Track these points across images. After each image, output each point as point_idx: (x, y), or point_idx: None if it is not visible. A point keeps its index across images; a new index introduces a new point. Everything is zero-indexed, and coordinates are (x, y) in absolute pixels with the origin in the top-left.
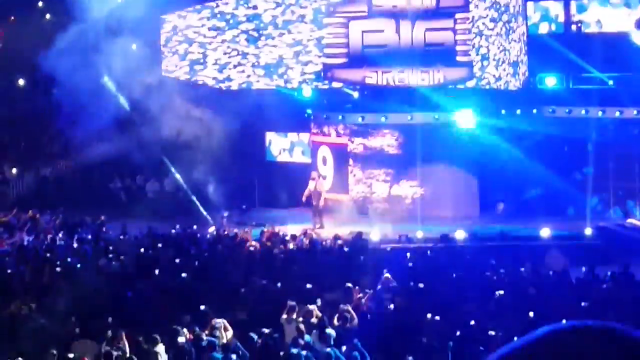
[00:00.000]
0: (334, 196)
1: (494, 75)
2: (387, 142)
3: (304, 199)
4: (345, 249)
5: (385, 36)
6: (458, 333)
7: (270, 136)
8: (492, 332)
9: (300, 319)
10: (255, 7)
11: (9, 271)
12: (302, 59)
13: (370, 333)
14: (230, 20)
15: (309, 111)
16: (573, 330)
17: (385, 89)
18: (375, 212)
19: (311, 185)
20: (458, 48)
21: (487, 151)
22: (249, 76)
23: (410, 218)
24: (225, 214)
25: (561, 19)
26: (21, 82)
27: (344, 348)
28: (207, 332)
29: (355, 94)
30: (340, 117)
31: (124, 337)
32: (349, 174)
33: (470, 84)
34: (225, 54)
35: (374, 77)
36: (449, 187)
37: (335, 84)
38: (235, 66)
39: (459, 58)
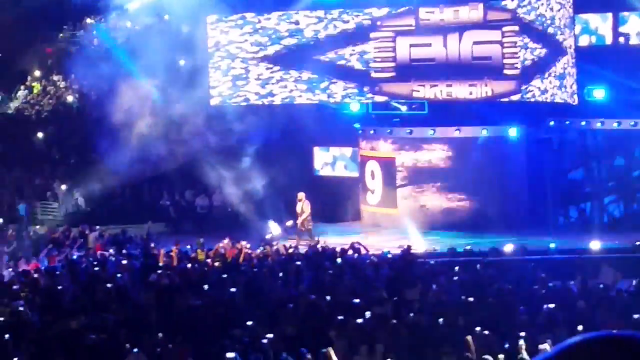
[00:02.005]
0: (382, 210)
1: (539, 88)
2: (436, 155)
3: (298, 223)
4: (394, 263)
5: (433, 50)
6: (507, 346)
7: (316, 151)
8: (542, 346)
9: (350, 334)
10: (297, 23)
11: (59, 287)
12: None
13: (420, 347)
14: (272, 36)
15: (357, 125)
16: (603, 340)
17: (433, 103)
18: (424, 225)
19: (298, 206)
20: (505, 61)
21: (536, 164)
22: (291, 91)
23: (460, 231)
24: (270, 234)
25: (602, 31)
26: (70, 99)
27: None
28: None
29: (403, 108)
30: (388, 130)
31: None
32: (397, 188)
33: (516, 97)
34: (267, 69)
35: (421, 90)
36: (498, 200)
37: (379, 98)
38: (277, 81)
39: (506, 71)
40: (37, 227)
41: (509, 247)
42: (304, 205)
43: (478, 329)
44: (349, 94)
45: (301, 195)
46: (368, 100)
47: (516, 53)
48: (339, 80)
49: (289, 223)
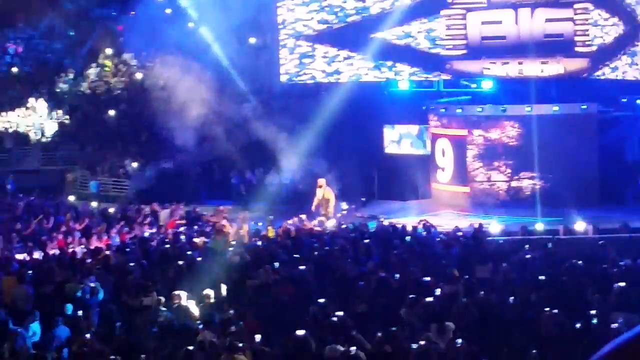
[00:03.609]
0: (453, 188)
1: (609, 66)
2: (506, 133)
3: (313, 208)
4: (464, 241)
5: (504, 27)
6: (578, 326)
7: (386, 129)
8: (614, 325)
9: (420, 311)
10: (363, 0)
11: (131, 264)
12: None
13: (490, 325)
14: (338, 13)
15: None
16: None
17: (504, 80)
18: (495, 203)
19: (319, 193)
20: (577, 39)
21: (608, 141)
22: (357, 69)
23: (530, 209)
24: (344, 208)
25: None
26: (139, 76)
27: (459, 341)
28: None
29: (474, 86)
30: (459, 109)
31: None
32: (468, 166)
33: (587, 75)
34: (333, 47)
35: (492, 68)
36: (569, 178)
37: (445, 76)
38: (344, 59)
39: (578, 49)
40: (109, 204)
41: (579, 225)
42: (325, 192)
43: (548, 308)
44: (416, 71)
45: (322, 181)
46: (435, 77)
47: (588, 30)
48: (406, 58)
49: (362, 200)
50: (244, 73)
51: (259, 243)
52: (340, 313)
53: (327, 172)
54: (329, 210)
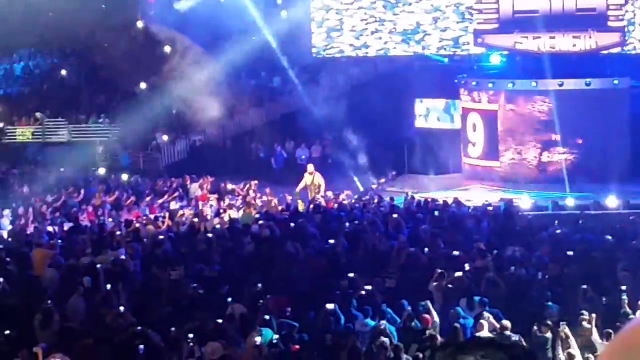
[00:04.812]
0: (483, 163)
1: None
2: (538, 108)
3: (297, 190)
4: (495, 216)
5: (537, 1)
6: (604, 300)
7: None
8: None
9: (449, 285)
10: None
11: (160, 237)
12: (440, 25)
13: (519, 300)
14: None
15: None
16: None
17: (535, 55)
18: (525, 178)
19: (307, 178)
20: (610, 13)
21: (639, 116)
22: (386, 43)
23: (561, 184)
24: (374, 184)
25: None
26: (167, 49)
27: (487, 315)
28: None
29: (505, 60)
30: (490, 83)
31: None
32: (500, 141)
33: (617, 49)
34: (362, 20)
35: (524, 42)
36: (600, 153)
37: (476, 49)
38: (372, 33)
39: (610, 23)
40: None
41: (610, 201)
42: (316, 178)
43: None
44: (445, 45)
45: (311, 167)
46: (464, 52)
47: (621, 5)
48: (436, 30)
49: (392, 174)
50: (275, 45)
51: (289, 216)
52: (370, 287)
53: (357, 146)
54: (319, 196)
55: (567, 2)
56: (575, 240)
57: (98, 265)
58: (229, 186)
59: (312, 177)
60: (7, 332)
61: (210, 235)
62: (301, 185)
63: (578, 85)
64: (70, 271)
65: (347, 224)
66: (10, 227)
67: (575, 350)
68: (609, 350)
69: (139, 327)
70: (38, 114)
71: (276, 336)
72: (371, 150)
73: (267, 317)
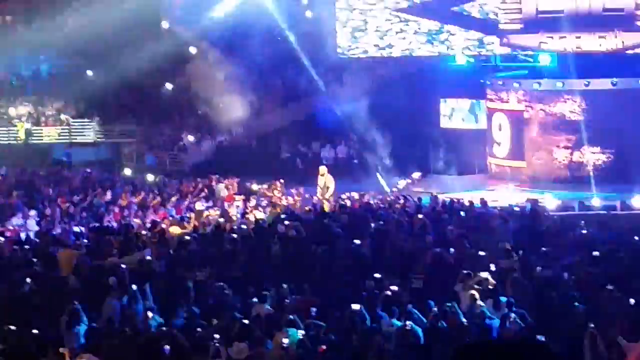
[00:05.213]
0: (510, 163)
1: None
2: (568, 108)
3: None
4: (521, 216)
5: (562, 1)
6: (632, 302)
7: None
8: None
9: (476, 286)
10: None
11: (186, 237)
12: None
13: (546, 301)
14: None
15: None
16: None
17: (562, 54)
18: (552, 178)
19: (320, 181)
20: (639, 12)
21: None
22: (410, 43)
23: (588, 185)
24: (399, 184)
25: None
26: (194, 50)
27: (512, 315)
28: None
29: (531, 60)
30: (516, 83)
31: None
32: (527, 141)
33: None
34: (386, 20)
35: (549, 42)
36: (629, 153)
37: (501, 50)
38: (396, 33)
39: (639, 22)
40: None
41: (637, 201)
42: (327, 180)
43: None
44: (469, 45)
45: (323, 169)
46: (489, 52)
47: None
48: (460, 31)
49: (417, 175)
50: (300, 45)
51: (315, 217)
52: (396, 288)
53: (382, 146)
54: (327, 196)
55: (594, 2)
56: (602, 241)
57: (123, 266)
58: (255, 186)
59: (323, 179)
60: (34, 332)
61: (236, 235)
62: (318, 189)
63: (605, 85)
64: (96, 272)
65: (372, 224)
66: (36, 227)
67: (602, 349)
68: (638, 351)
69: (165, 328)
70: (64, 117)
71: (303, 335)
72: (396, 151)
73: (293, 317)
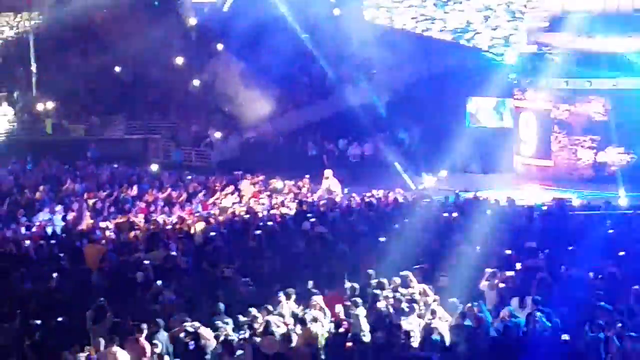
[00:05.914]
0: (536, 161)
1: None
2: (593, 108)
3: (319, 196)
4: (547, 215)
5: (590, 1)
6: None
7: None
8: None
9: (501, 285)
10: None
11: (211, 234)
12: (490, 23)
13: (571, 300)
14: None
15: (513, 76)
16: None
17: (589, 54)
18: (579, 177)
19: (324, 184)
20: None
21: None
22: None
23: (615, 184)
24: (425, 182)
25: None
26: (220, 47)
27: (538, 314)
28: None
29: (558, 59)
30: (544, 82)
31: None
32: (553, 140)
33: None
34: (412, 18)
35: (577, 41)
36: None
37: (528, 48)
38: (423, 31)
39: None
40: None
41: None
42: (331, 184)
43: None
44: (495, 44)
45: (328, 172)
46: (514, 50)
47: None
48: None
49: (443, 173)
50: (327, 43)
51: (341, 214)
52: (421, 286)
53: (409, 144)
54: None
55: (622, 2)
56: (628, 240)
57: (146, 262)
58: (280, 183)
59: (327, 182)
60: (61, 325)
61: (261, 232)
62: (319, 192)
63: (632, 84)
64: (122, 267)
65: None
66: (63, 223)
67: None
68: None
69: (191, 324)
70: (94, 118)
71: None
72: (423, 148)
73: (319, 313)
